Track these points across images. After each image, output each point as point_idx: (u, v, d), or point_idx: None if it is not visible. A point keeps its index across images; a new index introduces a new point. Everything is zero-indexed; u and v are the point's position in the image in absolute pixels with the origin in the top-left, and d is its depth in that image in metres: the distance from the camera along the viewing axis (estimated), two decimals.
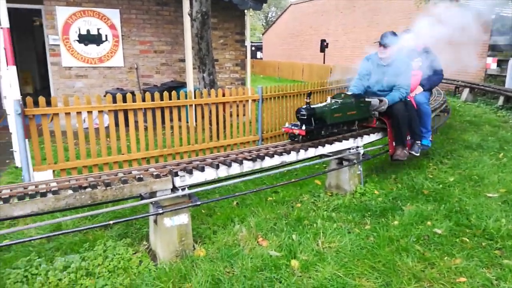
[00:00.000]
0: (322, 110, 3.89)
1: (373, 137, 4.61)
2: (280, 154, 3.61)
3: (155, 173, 2.94)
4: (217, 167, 3.21)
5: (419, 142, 4.72)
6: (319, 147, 3.91)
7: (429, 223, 3.53)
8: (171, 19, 8.94)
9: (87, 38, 8.13)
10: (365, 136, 4.45)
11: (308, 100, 3.82)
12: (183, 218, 3.06)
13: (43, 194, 2.52)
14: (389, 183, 4.58)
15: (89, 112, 4.33)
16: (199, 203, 3.04)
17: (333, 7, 21.80)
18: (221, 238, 3.23)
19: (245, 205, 3.99)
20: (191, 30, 6.78)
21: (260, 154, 3.49)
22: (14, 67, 3.85)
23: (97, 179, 2.78)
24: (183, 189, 3.04)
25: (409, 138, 4.62)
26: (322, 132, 3.95)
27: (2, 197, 2.42)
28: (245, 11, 9.76)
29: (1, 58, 3.78)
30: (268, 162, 3.54)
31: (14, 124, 3.78)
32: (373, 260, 2.91)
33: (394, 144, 4.50)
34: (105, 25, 8.25)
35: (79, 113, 4.29)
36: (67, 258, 2.81)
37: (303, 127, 3.73)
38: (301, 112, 3.78)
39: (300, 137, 3.77)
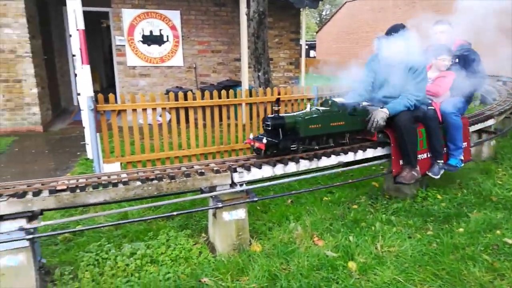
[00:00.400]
0: (294, 120, 3.20)
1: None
2: (338, 154, 3.56)
3: (215, 168, 3.05)
4: (274, 164, 3.24)
5: (441, 161, 3.87)
6: (378, 148, 3.81)
7: (498, 232, 3.30)
8: (228, 20, 9.14)
9: (150, 39, 8.56)
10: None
11: (276, 108, 3.18)
12: (241, 213, 3.13)
13: (115, 184, 2.72)
14: (453, 188, 4.33)
15: (153, 109, 4.58)
16: (256, 199, 3.09)
17: (391, 3, 20.99)
18: (277, 235, 3.26)
19: (300, 203, 3.99)
20: (248, 30, 6.89)
21: (317, 153, 3.47)
22: (88, 66, 4.17)
23: (163, 172, 2.94)
24: (241, 185, 3.11)
25: (429, 155, 3.88)
26: (294, 146, 3.25)
27: (79, 185, 2.64)
28: (301, 9, 9.73)
29: (77, 57, 4.10)
30: (324, 161, 3.51)
31: (87, 118, 4.10)
32: (436, 267, 2.78)
33: (401, 162, 3.70)
34: (166, 26, 8.64)
35: (144, 109, 4.55)
36: (133, 245, 2.99)
37: (264, 140, 3.08)
38: (267, 122, 3.13)
39: (262, 151, 3.13)
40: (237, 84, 8.58)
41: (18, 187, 2.60)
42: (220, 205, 2.95)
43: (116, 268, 2.76)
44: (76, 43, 3.98)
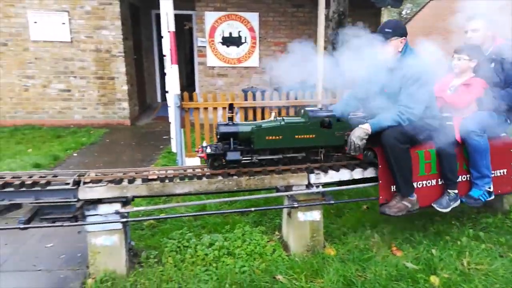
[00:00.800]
0: (248, 129, 2.87)
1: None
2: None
3: (292, 168, 3.07)
4: (353, 168, 3.17)
5: (454, 191, 3.10)
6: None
7: None
8: (305, 20, 9.11)
9: (229, 40, 8.87)
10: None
11: (230, 115, 2.92)
12: (316, 215, 3.12)
13: (199, 177, 2.87)
14: None
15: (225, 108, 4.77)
16: (332, 202, 3.05)
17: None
18: (352, 241, 3.18)
19: (375, 210, 3.84)
20: (326, 30, 6.81)
21: None
22: (176, 66, 4.44)
23: (242, 169, 3.03)
24: (317, 186, 3.10)
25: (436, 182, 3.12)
26: (247, 158, 2.90)
27: (168, 176, 2.84)
28: (382, 9, 9.36)
29: (167, 58, 4.40)
30: None
31: (173, 115, 4.38)
32: None
33: (393, 189, 3.04)
34: (245, 28, 8.88)
35: (224, 108, 4.74)
36: (212, 236, 3.14)
37: (208, 150, 2.83)
38: (217, 130, 2.88)
39: (209, 161, 2.87)
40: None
41: (115, 174, 2.87)
42: (295, 204, 2.97)
43: (196, 257, 2.92)
44: (167, 44, 4.28)
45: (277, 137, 2.89)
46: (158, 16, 6.09)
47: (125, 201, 2.77)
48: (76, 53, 7.83)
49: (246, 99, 4.97)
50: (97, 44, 7.86)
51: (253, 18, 8.85)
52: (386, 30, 2.93)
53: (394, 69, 2.94)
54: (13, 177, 2.73)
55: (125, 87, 8.08)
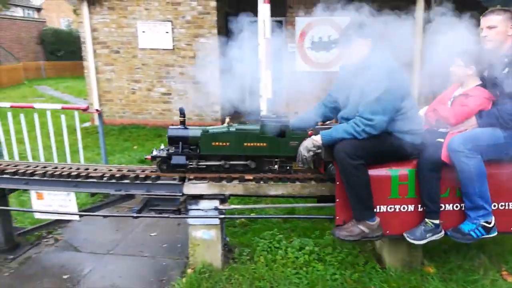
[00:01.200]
0: (194, 133, 2.85)
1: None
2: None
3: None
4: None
5: (434, 221, 2.60)
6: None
7: None
8: None
9: (319, 45, 8.84)
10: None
11: (181, 119, 2.92)
12: None
13: (293, 181, 2.92)
14: None
15: None
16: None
17: None
18: (454, 260, 2.94)
19: None
20: (423, 34, 6.40)
21: None
22: (270, 72, 4.57)
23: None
24: None
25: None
26: (192, 163, 2.85)
27: (263, 178, 2.93)
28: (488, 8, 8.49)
29: (262, 63, 4.55)
30: None
31: None
32: None
33: (352, 210, 2.62)
34: (335, 33, 8.76)
35: None
36: (302, 240, 3.16)
37: (153, 152, 2.88)
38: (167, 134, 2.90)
39: (158, 164, 2.92)
40: None
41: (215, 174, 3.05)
42: None
43: (286, 258, 2.97)
44: (262, 50, 4.43)
45: (224, 144, 2.81)
46: (251, 24, 6.34)
47: (223, 199, 2.93)
48: (176, 60, 8.49)
49: None
50: (195, 51, 8.43)
51: (344, 22, 8.70)
52: (349, 31, 2.67)
53: (356, 75, 2.60)
54: (129, 170, 3.08)
55: (218, 91, 8.53)
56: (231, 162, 2.91)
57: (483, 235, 2.54)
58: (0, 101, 5.47)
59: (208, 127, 2.93)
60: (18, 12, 27.50)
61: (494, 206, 2.60)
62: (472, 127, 2.56)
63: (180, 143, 2.87)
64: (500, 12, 2.64)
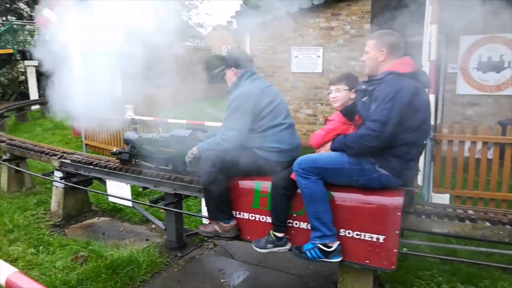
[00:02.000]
0: (132, 137, 3.87)
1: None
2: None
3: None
4: None
5: (278, 234, 2.72)
6: None
7: None
8: None
9: (487, 66, 7.80)
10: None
11: (134, 126, 3.99)
12: None
13: (461, 219, 2.61)
14: None
15: (484, 143, 4.15)
16: None
17: None
18: None
19: None
20: None
21: None
22: (433, 96, 4.23)
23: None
24: None
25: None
26: (134, 161, 3.89)
27: (426, 212, 2.71)
28: None
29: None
30: None
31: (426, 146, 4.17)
32: None
33: (207, 211, 3.04)
34: (509, 52, 7.61)
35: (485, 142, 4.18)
36: (467, 287, 2.78)
37: (114, 150, 3.99)
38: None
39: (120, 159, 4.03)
40: None
41: None
42: None
43: None
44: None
45: (149, 147, 3.65)
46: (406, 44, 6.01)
47: None
48: (325, 83, 8.65)
49: (504, 134, 4.19)
50: None
51: None
52: (220, 65, 3.12)
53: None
54: None
55: None
56: (158, 166, 3.70)
57: (320, 257, 2.56)
58: (177, 119, 6.52)
59: (151, 133, 3.85)
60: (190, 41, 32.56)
61: (342, 232, 2.59)
62: (326, 150, 2.64)
63: (130, 144, 3.90)
64: (374, 36, 2.59)
